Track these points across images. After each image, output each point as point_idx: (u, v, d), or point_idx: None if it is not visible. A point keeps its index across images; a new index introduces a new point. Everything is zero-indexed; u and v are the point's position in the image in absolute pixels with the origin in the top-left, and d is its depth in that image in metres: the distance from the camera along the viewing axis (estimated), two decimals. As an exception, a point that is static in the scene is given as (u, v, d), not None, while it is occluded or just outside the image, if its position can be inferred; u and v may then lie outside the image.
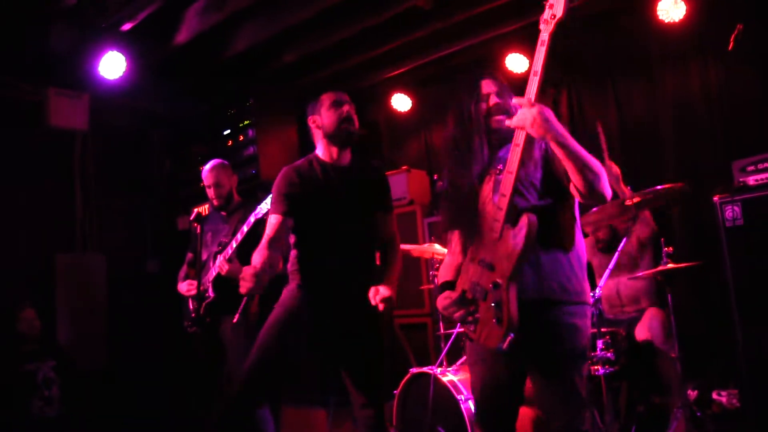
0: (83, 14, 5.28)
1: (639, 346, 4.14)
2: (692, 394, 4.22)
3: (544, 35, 2.26)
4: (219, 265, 4.11)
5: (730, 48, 4.13)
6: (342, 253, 3.30)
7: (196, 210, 4.17)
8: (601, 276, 4.12)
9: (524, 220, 2.25)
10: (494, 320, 2.30)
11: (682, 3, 5.03)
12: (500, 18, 5.51)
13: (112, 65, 5.45)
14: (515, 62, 5.81)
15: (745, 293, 3.95)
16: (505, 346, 2.27)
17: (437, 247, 4.44)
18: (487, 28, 5.67)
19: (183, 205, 6.59)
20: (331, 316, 3.29)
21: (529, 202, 2.41)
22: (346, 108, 3.40)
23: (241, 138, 6.42)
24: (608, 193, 2.33)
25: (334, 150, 3.40)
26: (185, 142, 6.95)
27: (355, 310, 3.29)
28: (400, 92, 6.79)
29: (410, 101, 6.81)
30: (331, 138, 3.38)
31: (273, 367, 3.20)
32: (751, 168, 4.07)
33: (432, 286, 4.63)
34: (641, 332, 4.29)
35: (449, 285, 2.60)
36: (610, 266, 3.85)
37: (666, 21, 5.10)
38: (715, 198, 4.10)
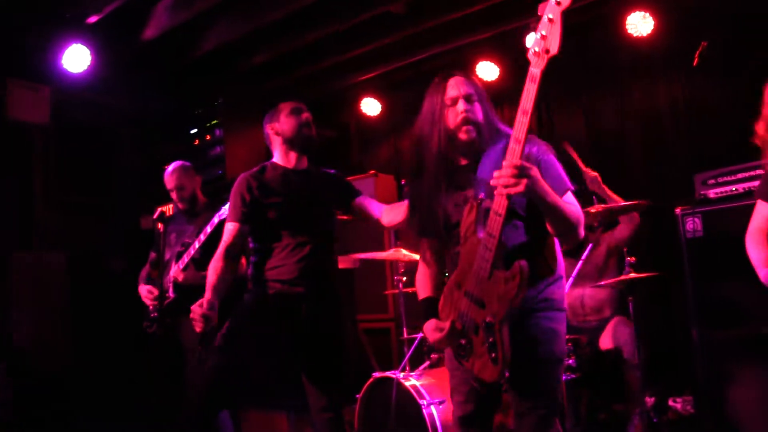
0: (46, 4, 5.17)
1: (602, 353, 4.18)
2: (650, 400, 4.28)
3: (535, 71, 2.11)
4: (174, 275, 4.11)
5: (694, 64, 4.21)
6: (301, 258, 3.30)
7: (159, 209, 4.11)
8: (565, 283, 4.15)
9: (517, 268, 2.23)
10: (489, 358, 2.31)
11: (650, 18, 5.12)
12: (472, 26, 5.55)
13: (76, 58, 5.33)
14: (486, 70, 5.86)
15: (704, 303, 4.03)
16: (502, 381, 2.34)
17: (403, 252, 4.44)
18: (459, 36, 5.71)
19: (149, 204, 6.50)
20: (291, 321, 3.29)
21: (515, 227, 2.40)
22: (305, 115, 3.44)
23: (209, 138, 6.36)
24: (580, 236, 2.35)
25: (293, 156, 3.44)
26: (152, 140, 6.86)
27: (315, 314, 3.29)
28: (371, 96, 6.79)
29: (380, 106, 6.82)
30: (291, 143, 3.42)
31: (233, 373, 3.19)
32: (712, 181, 4.14)
33: (396, 291, 4.62)
34: (606, 341, 4.33)
35: (431, 303, 2.60)
36: (573, 274, 3.88)
37: (635, 35, 5.19)
38: (677, 210, 4.18)
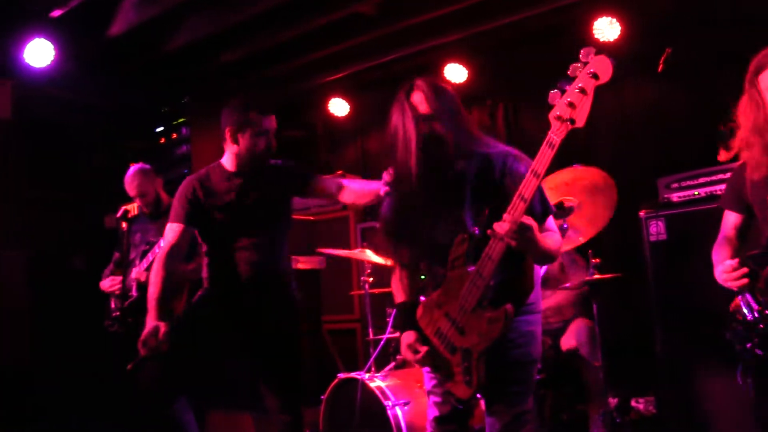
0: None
1: (565, 355, 4.22)
2: (612, 401, 4.33)
3: (555, 138, 2.08)
4: (137, 275, 4.06)
5: (659, 70, 4.28)
6: (252, 259, 3.29)
7: (123, 208, 4.07)
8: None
9: (502, 313, 2.27)
10: (463, 380, 2.35)
11: (617, 23, 5.18)
12: (442, 28, 5.57)
13: (39, 53, 5.23)
14: (454, 72, 5.89)
15: (666, 305, 4.09)
16: (473, 401, 2.41)
17: (369, 253, 4.44)
18: (428, 37, 5.72)
19: (113, 202, 6.41)
20: (243, 322, 3.27)
21: (508, 280, 2.41)
22: (264, 142, 3.31)
23: (175, 136, 6.30)
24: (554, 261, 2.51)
25: (245, 167, 3.38)
26: (117, 137, 6.77)
27: (267, 315, 3.28)
28: (339, 97, 6.78)
29: (348, 106, 6.81)
30: (245, 159, 3.35)
31: (181, 368, 3.19)
32: (675, 185, 4.20)
33: (362, 291, 4.62)
34: (567, 341, 4.37)
35: (409, 309, 2.60)
36: (540, 274, 3.90)
37: (602, 40, 5.24)
38: (641, 213, 4.23)
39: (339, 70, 6.43)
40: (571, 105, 2.05)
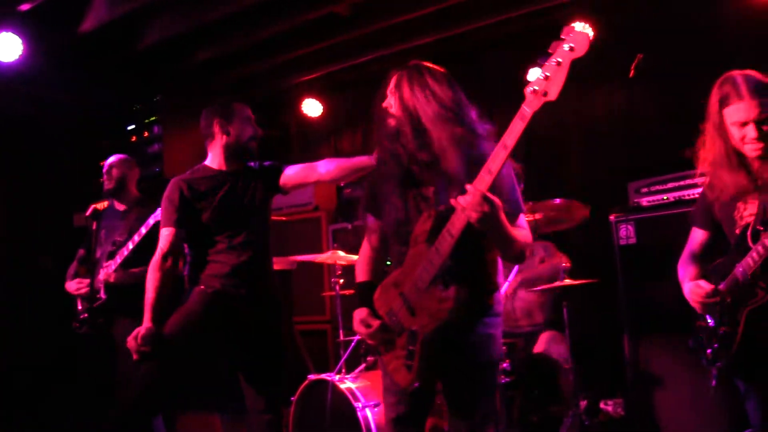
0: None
1: (535, 357, 4.24)
2: (582, 403, 4.36)
3: (527, 110, 2.03)
4: (106, 276, 4.01)
5: (630, 75, 4.32)
6: (237, 260, 3.28)
7: (92, 206, 4.02)
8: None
9: (452, 293, 2.26)
10: (404, 364, 2.34)
11: (589, 28, 5.22)
12: (417, 30, 5.57)
13: (7, 47, 5.13)
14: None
15: (635, 308, 4.13)
16: (410, 390, 2.36)
17: (341, 254, 4.43)
18: (403, 39, 5.72)
19: (81, 200, 6.33)
20: (229, 322, 3.25)
21: (466, 261, 2.36)
22: (251, 128, 3.45)
23: (146, 134, 6.24)
24: (524, 259, 2.41)
25: (231, 161, 3.41)
26: (87, 135, 6.69)
27: (254, 315, 3.27)
28: (312, 97, 6.76)
29: (322, 107, 6.79)
30: (235, 149, 3.40)
31: (169, 376, 3.16)
32: (645, 189, 4.26)
33: (333, 293, 4.60)
34: (537, 346, 4.40)
35: (367, 289, 2.59)
36: (509, 279, 3.93)
37: (575, 44, 5.28)
38: (611, 217, 4.28)
39: (313, 70, 6.40)
40: (545, 78, 2.01)
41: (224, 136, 3.38)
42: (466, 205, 2.09)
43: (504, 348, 3.81)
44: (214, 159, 3.44)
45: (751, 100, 2.43)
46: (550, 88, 2.00)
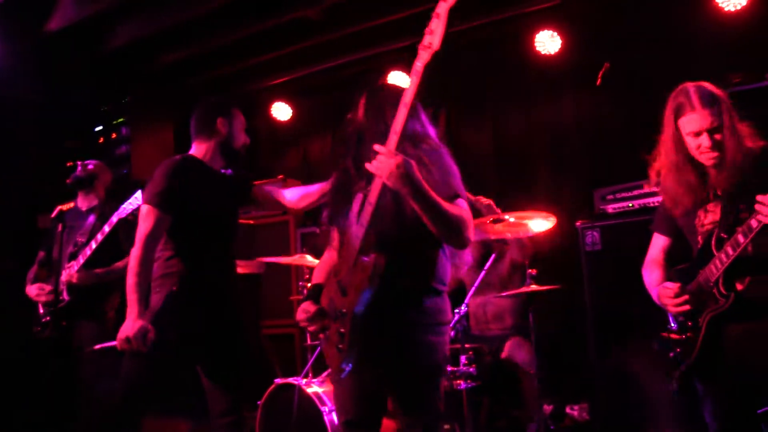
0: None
1: (502, 362, 4.27)
2: (548, 408, 4.39)
3: (419, 65, 2.18)
4: (68, 277, 3.96)
5: (598, 83, 4.38)
6: (210, 259, 3.24)
7: (58, 208, 3.97)
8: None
9: (371, 260, 2.28)
10: (336, 347, 2.37)
11: (558, 37, 5.29)
12: (387, 35, 5.60)
13: (-28, 46, 5.07)
14: (398, 79, 5.92)
15: (600, 314, 4.18)
16: (342, 375, 2.36)
17: (308, 258, 4.43)
18: (374, 44, 5.75)
19: (46, 202, 6.25)
20: (195, 323, 3.22)
21: (389, 230, 2.39)
22: (245, 135, 3.44)
23: (114, 136, 6.18)
24: (467, 241, 2.34)
25: (219, 159, 3.35)
26: (53, 136, 6.60)
27: (219, 315, 3.25)
28: (282, 101, 6.74)
29: (291, 111, 6.77)
30: (228, 150, 3.35)
31: (148, 376, 3.11)
32: (611, 197, 4.32)
33: (301, 297, 4.60)
34: (504, 352, 4.43)
35: (317, 289, 2.62)
36: (476, 283, 3.95)
37: (543, 53, 5.35)
38: (578, 224, 4.33)
39: (283, 74, 6.40)
40: (430, 32, 2.16)
41: (223, 136, 3.30)
42: (377, 165, 2.20)
43: (470, 354, 3.82)
44: (204, 154, 3.31)
45: (703, 110, 2.50)
46: (433, 39, 2.16)
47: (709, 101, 2.51)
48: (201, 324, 3.19)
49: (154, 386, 3.15)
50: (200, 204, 3.20)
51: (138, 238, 3.01)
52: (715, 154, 2.51)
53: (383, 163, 2.18)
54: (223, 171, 3.43)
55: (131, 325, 2.91)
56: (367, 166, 2.25)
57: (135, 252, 3.00)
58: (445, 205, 2.27)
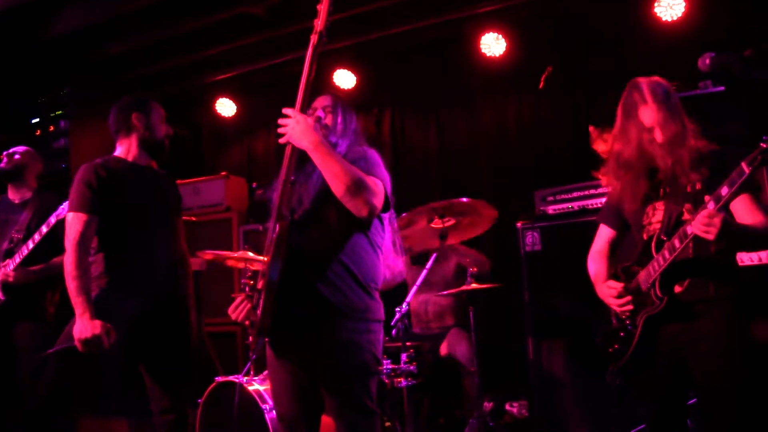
0: None
1: (442, 360, 4.31)
2: (488, 405, 4.45)
3: (310, 48, 2.47)
4: (4, 275, 3.85)
5: (540, 87, 4.46)
6: (147, 257, 3.21)
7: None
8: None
9: (276, 227, 2.36)
10: (250, 324, 2.43)
11: (503, 39, 5.36)
12: (333, 33, 5.56)
13: None
14: (343, 78, 5.93)
15: (539, 312, 4.26)
16: (253, 347, 2.41)
17: (251, 255, 4.39)
18: (320, 42, 5.72)
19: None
20: (136, 322, 3.18)
21: (308, 217, 2.47)
22: (165, 127, 3.43)
23: (52, 129, 6.02)
24: (367, 204, 2.38)
25: (143, 155, 3.35)
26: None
27: (164, 312, 3.21)
28: (226, 97, 6.67)
29: (235, 107, 6.71)
30: (151, 145, 3.35)
31: (76, 378, 3.10)
32: (551, 198, 4.40)
33: (243, 295, 4.56)
34: (444, 348, 4.47)
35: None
36: (418, 282, 3.98)
37: (488, 55, 5.42)
38: (518, 224, 4.40)
39: (228, 69, 6.34)
40: (317, 18, 2.46)
41: (141, 131, 3.31)
42: (283, 126, 2.43)
43: (411, 351, 3.85)
44: (127, 152, 3.33)
45: (654, 104, 2.56)
46: (317, 23, 2.46)
47: (660, 95, 2.58)
48: (134, 319, 3.15)
49: (87, 386, 3.11)
50: (124, 200, 3.18)
51: (68, 245, 3.01)
52: (665, 148, 2.57)
53: (288, 123, 2.41)
54: (162, 171, 3.44)
55: (89, 325, 2.88)
56: (281, 130, 2.45)
57: (68, 258, 2.99)
58: (346, 164, 2.38)
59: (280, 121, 2.45)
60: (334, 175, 2.36)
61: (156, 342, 3.24)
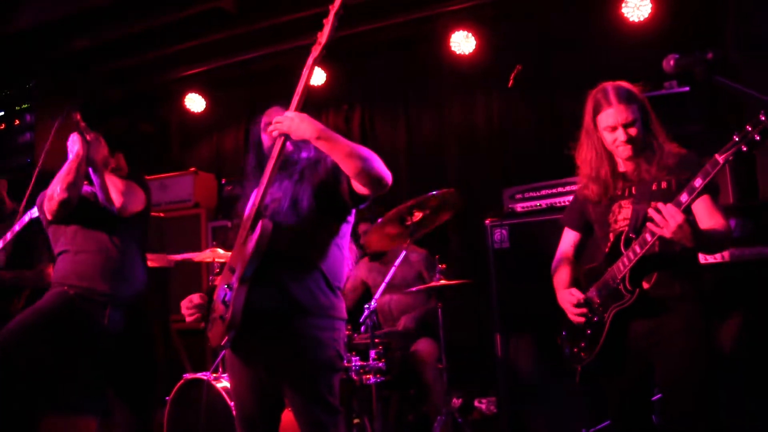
0: None
1: (411, 357, 4.33)
2: (457, 402, 4.48)
3: (309, 60, 2.49)
4: None
5: (509, 85, 4.50)
6: (102, 260, 3.21)
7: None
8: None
9: (259, 225, 2.34)
10: (219, 318, 2.39)
11: (473, 37, 5.39)
12: (302, 30, 5.57)
13: None
14: (313, 75, 5.90)
15: (507, 309, 4.30)
16: (223, 342, 2.37)
17: (219, 251, 4.37)
18: (288, 38, 5.71)
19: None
20: (92, 327, 3.16)
21: (284, 217, 2.47)
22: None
23: (17, 122, 5.93)
24: (384, 173, 2.43)
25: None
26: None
27: (119, 320, 3.18)
28: (195, 92, 6.62)
29: (204, 102, 6.66)
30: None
31: (18, 376, 3.08)
32: (519, 196, 4.44)
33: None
34: (413, 346, 4.48)
35: (211, 289, 2.64)
36: (386, 280, 3.97)
37: (458, 53, 5.44)
38: (486, 221, 4.43)
39: (197, 65, 6.28)
40: (321, 31, 2.48)
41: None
42: (280, 125, 2.43)
43: (380, 348, 3.86)
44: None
45: (619, 105, 2.61)
46: (323, 36, 2.47)
47: (625, 97, 2.62)
48: (83, 330, 3.14)
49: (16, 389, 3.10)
50: (84, 206, 3.21)
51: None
52: (630, 146, 2.62)
53: (286, 119, 2.40)
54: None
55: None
56: (271, 128, 2.46)
57: None
58: (353, 143, 2.41)
59: (276, 118, 2.46)
60: (347, 154, 2.36)
61: (113, 352, 3.23)
